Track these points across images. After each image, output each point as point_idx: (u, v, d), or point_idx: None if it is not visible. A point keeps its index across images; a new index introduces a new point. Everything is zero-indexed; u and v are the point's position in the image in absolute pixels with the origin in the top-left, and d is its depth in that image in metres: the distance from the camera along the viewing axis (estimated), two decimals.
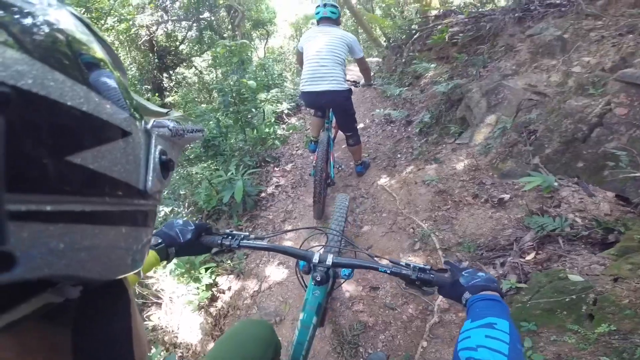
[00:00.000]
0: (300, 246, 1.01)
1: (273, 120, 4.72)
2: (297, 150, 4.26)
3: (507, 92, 2.94)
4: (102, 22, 4.53)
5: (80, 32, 0.25)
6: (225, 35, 6.49)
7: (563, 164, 2.19)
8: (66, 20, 0.24)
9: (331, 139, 2.95)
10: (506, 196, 2.30)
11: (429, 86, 4.15)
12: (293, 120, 5.38)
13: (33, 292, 0.23)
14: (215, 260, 2.52)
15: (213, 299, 2.26)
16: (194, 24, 6.41)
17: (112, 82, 0.26)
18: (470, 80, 3.44)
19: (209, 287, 2.26)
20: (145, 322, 2.22)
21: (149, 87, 5.79)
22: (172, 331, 2.16)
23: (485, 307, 0.60)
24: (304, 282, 0.96)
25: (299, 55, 2.92)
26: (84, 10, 4.31)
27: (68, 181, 0.21)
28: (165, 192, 3.68)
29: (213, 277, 2.32)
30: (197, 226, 0.87)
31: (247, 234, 0.90)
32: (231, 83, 4.09)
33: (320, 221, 2.76)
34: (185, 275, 2.19)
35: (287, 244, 2.56)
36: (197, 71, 5.33)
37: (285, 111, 5.19)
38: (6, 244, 0.18)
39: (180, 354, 2.07)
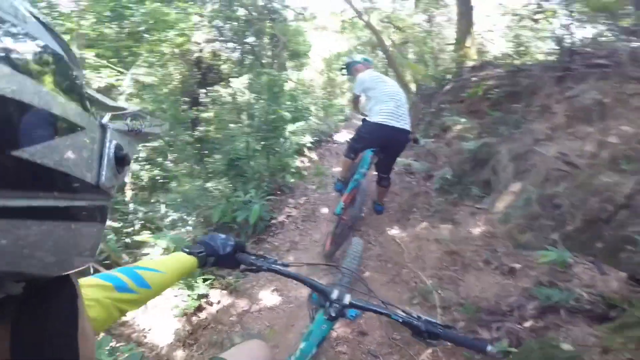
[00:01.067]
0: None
1: (294, 152, 4.86)
2: (312, 186, 4.33)
3: (537, 159, 2.82)
4: (165, 34, 4.98)
5: (30, 24, 0.24)
6: (263, 61, 7.01)
7: (582, 242, 2.10)
8: (17, 13, 0.23)
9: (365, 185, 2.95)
10: (518, 266, 2.21)
11: (456, 141, 4.07)
12: (313, 154, 5.50)
13: None
14: (214, 273, 2.52)
15: (199, 309, 2.23)
16: (238, 47, 6.97)
17: (64, 76, 0.26)
18: (500, 140, 3.33)
19: (200, 297, 2.25)
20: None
21: (187, 99, 6.23)
22: (143, 329, 2.13)
23: None
24: (313, 314, 1.00)
25: (357, 98, 3.26)
26: (151, 21, 4.72)
27: (12, 176, 0.20)
28: (179, 200, 3.82)
29: (207, 288, 2.31)
30: (236, 243, 0.94)
31: (276, 259, 0.96)
32: (266, 110, 4.31)
33: (329, 260, 2.72)
34: (180, 281, 2.20)
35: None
36: (232, 92, 5.70)
37: (308, 145, 5.34)
38: None
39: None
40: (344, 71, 3.54)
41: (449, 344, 0.79)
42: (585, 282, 1.83)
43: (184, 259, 0.83)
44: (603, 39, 3.74)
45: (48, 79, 0.23)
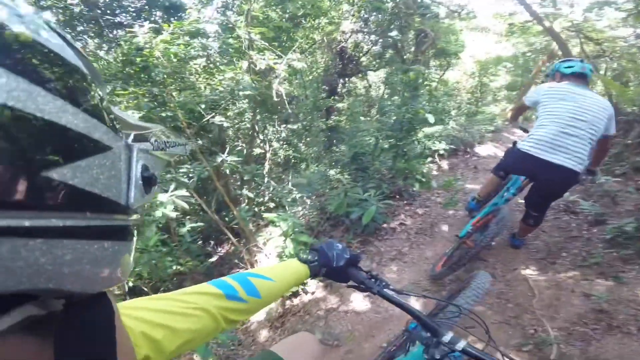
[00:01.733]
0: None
1: (425, 157, 4.51)
2: (436, 198, 3.93)
3: None
4: (316, 21, 5.19)
5: (56, 44, 0.25)
6: (405, 57, 6.63)
7: None
8: (40, 31, 0.24)
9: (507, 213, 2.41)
10: None
11: None
12: (444, 163, 4.99)
13: (14, 305, 0.23)
14: None
15: (295, 294, 2.36)
16: (380, 40, 6.76)
17: (90, 95, 0.26)
18: None
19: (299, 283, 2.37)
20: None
21: (327, 87, 6.49)
22: None
23: None
24: (408, 346, 0.91)
25: (522, 108, 2.62)
26: (309, 7, 4.95)
27: (46, 197, 0.21)
28: (304, 181, 4.07)
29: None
30: (352, 256, 0.90)
31: (388, 282, 0.90)
32: (404, 109, 4.00)
33: (433, 284, 2.47)
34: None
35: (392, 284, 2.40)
36: (367, 84, 5.62)
37: (441, 151, 4.85)
38: None
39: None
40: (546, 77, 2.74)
41: None
42: None
43: (295, 268, 0.82)
44: None
45: (75, 99, 0.24)
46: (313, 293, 2.41)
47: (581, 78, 2.25)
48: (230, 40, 4.01)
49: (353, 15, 5.90)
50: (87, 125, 0.24)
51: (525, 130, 2.50)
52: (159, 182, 0.35)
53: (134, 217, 0.31)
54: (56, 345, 0.27)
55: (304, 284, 2.44)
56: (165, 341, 0.47)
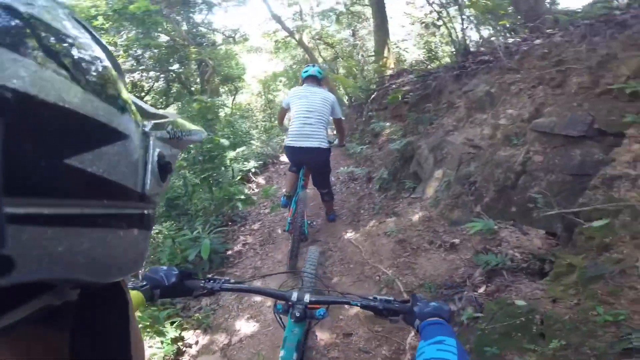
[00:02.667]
0: (279, 288, 1.12)
1: (239, 178, 4.77)
2: (264, 210, 4.37)
3: (449, 148, 3.34)
4: None
5: (79, 34, 0.25)
6: (192, 88, 6.67)
7: (500, 209, 2.56)
8: (63, 21, 0.24)
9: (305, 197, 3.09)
10: (456, 240, 2.59)
11: (386, 144, 4.53)
12: (260, 179, 5.51)
13: (31, 295, 0.23)
14: (180, 315, 2.40)
15: (179, 353, 2.11)
16: (162, 75, 6.52)
17: (111, 84, 0.26)
18: (419, 137, 3.84)
19: (174, 340, 2.14)
20: None
21: None
22: None
23: (433, 330, 0.70)
24: (282, 322, 1.03)
25: (282, 112, 3.21)
26: None
27: (66, 184, 0.21)
28: None
29: (178, 331, 2.20)
30: (181, 272, 0.92)
31: (228, 278, 0.97)
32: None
33: (293, 277, 2.78)
34: (148, 330, 2.06)
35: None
36: None
37: (253, 170, 5.29)
38: (5, 247, 0.17)
39: None
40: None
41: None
42: (514, 244, 2.23)
43: None
44: (492, 38, 4.51)
45: (96, 88, 0.24)
46: (197, 343, 2.21)
47: (313, 79, 3.12)
48: None
49: (120, 55, 5.36)
50: (106, 114, 0.24)
51: (287, 130, 3.20)
52: (174, 170, 0.35)
53: (150, 205, 0.31)
54: (72, 336, 0.27)
55: (181, 338, 2.22)
56: None
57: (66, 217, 0.21)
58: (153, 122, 0.33)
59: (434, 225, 2.92)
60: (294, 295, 0.93)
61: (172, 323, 2.23)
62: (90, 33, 0.27)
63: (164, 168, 0.32)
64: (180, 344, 2.17)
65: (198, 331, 2.32)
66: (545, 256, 2.06)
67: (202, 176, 4.07)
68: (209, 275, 0.96)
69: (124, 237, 0.26)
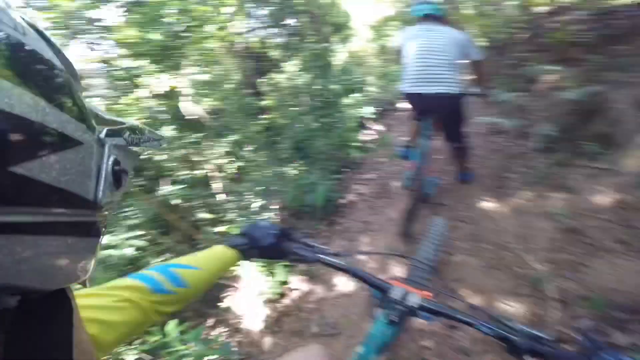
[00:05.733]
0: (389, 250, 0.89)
1: (356, 125, 4.70)
2: (382, 159, 4.08)
3: None
4: (204, 30, 5.04)
5: (31, 38, 0.24)
6: (307, 40, 6.82)
7: None
8: (13, 25, 0.23)
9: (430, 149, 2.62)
10: None
11: (551, 92, 3.41)
12: (378, 126, 5.24)
13: None
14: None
15: (282, 296, 2.29)
16: (281, 30, 6.85)
17: (63, 89, 0.25)
18: (612, 87, 2.70)
19: (282, 283, 2.31)
20: (218, 303, 2.36)
21: (250, 90, 6.38)
22: (238, 316, 2.25)
23: None
24: (374, 313, 0.83)
25: (397, 55, 2.74)
26: (190, 18, 4.87)
27: (11, 192, 0.20)
28: (257, 187, 3.92)
29: (286, 275, 2.36)
30: (282, 230, 0.87)
31: (327, 247, 0.86)
32: (317, 87, 4.18)
33: (406, 243, 2.46)
34: (264, 267, 2.29)
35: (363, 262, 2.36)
36: (287, 76, 5.69)
37: (369, 116, 5.08)
38: None
39: (239, 339, 2.13)
40: None
41: None
42: None
43: (221, 254, 0.78)
44: None
45: (46, 93, 0.23)
46: (298, 289, 2.36)
47: (432, 18, 2.49)
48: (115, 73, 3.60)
49: (240, 14, 5.78)
50: (57, 121, 0.24)
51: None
52: (130, 176, 0.35)
53: (102, 213, 0.30)
54: (7, 341, 0.25)
55: (286, 282, 2.37)
56: (102, 335, 0.48)
57: (9, 224, 0.21)
58: (108, 128, 0.32)
59: (631, 216, 1.97)
60: (397, 292, 0.73)
61: (285, 266, 2.37)
62: (44, 36, 0.27)
63: (118, 175, 0.32)
64: (285, 287, 2.35)
65: (303, 277, 2.42)
66: None
67: (320, 122, 4.10)
68: (310, 242, 0.87)
69: (71, 245, 0.27)
